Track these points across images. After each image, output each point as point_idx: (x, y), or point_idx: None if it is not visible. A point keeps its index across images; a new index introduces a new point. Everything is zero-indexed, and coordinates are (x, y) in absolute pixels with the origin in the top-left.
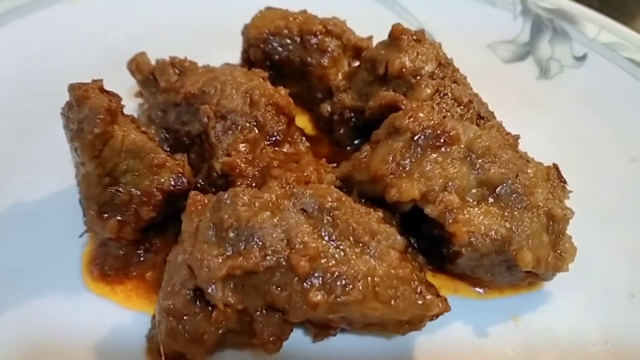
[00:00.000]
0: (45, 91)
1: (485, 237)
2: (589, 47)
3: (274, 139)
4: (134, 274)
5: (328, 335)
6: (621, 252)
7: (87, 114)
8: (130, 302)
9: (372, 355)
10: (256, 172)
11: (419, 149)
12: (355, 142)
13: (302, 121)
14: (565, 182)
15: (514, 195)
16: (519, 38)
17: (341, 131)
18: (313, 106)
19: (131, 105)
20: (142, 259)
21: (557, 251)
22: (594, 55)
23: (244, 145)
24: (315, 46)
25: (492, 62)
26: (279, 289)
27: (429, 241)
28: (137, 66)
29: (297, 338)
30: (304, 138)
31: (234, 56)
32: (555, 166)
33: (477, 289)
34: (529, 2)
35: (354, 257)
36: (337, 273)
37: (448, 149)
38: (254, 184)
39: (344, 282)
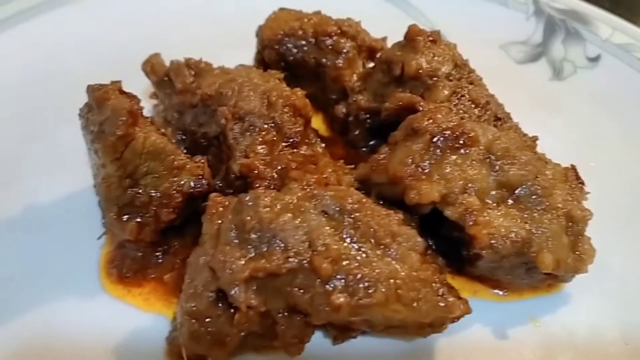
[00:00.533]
0: (59, 93)
1: (505, 239)
2: (602, 48)
3: (291, 140)
4: (152, 276)
5: (349, 338)
6: (636, 253)
7: (109, 115)
8: (149, 304)
9: (392, 357)
10: (274, 174)
11: (438, 151)
12: (370, 143)
13: (316, 122)
14: (583, 183)
15: (533, 197)
16: (532, 39)
17: (356, 132)
18: (327, 107)
19: (146, 107)
20: (160, 261)
21: (577, 252)
22: (607, 56)
23: (261, 146)
24: (330, 47)
25: (505, 63)
26: (301, 291)
27: (448, 243)
28: (152, 67)
29: (318, 340)
30: (319, 139)
31: (247, 57)
32: (573, 167)
33: (497, 291)
34: (541, 2)
35: (375, 259)
36: (359, 275)
37: (467, 151)
38: (272, 186)
39: (366, 284)
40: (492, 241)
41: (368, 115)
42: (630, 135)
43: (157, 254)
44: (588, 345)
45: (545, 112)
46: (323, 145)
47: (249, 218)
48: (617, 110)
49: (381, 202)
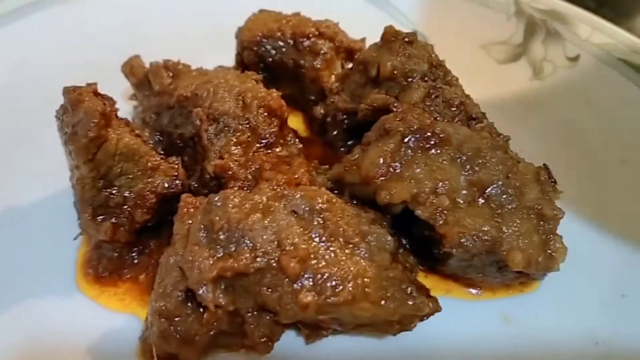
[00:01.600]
0: (40, 94)
1: (475, 237)
2: (581, 48)
3: (266, 141)
4: (128, 276)
5: (320, 337)
6: (612, 253)
7: (82, 117)
8: (124, 304)
9: (364, 355)
10: (249, 175)
11: (409, 151)
12: (349, 143)
13: (296, 122)
14: (555, 182)
15: (504, 196)
16: (513, 39)
17: (334, 133)
18: (306, 108)
19: (126, 108)
20: (135, 261)
21: (548, 251)
22: (586, 56)
23: (236, 147)
24: (308, 49)
25: (486, 62)
26: (269, 290)
27: (421, 242)
28: (131, 69)
29: (291, 339)
30: (297, 140)
31: (229, 59)
32: (546, 167)
33: (472, 290)
34: (522, 3)
35: (344, 258)
36: (327, 274)
37: (438, 151)
38: (246, 187)
39: (334, 283)
40: (462, 240)
41: (345, 116)
42: (608, 135)
43: (133, 254)
44: (559, 343)
45: (525, 111)
46: (300, 145)
47: (217, 218)
48: (596, 109)
49: (354, 202)
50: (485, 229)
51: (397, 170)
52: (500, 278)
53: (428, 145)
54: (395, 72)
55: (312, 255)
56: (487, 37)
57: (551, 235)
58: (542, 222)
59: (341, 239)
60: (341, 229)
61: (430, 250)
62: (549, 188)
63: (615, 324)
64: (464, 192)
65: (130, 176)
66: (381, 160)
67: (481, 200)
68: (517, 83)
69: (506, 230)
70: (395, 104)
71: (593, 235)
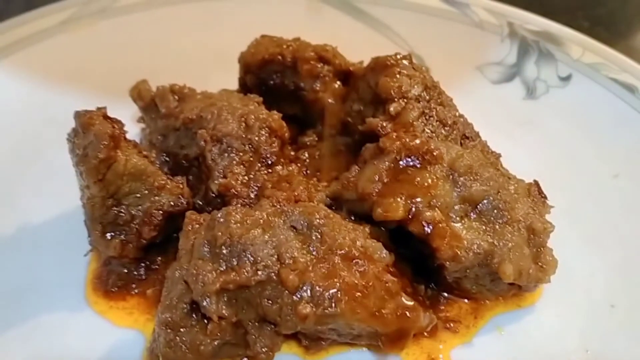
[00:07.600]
0: (52, 118)
1: (468, 251)
2: (573, 67)
3: (267, 160)
4: (136, 291)
5: (320, 347)
6: (602, 264)
7: (92, 140)
8: (133, 318)
9: None
10: (251, 193)
11: (403, 169)
12: None
13: None
14: (545, 197)
15: (495, 211)
16: (506, 60)
17: None
18: (309, 127)
19: (134, 130)
20: (143, 276)
21: (539, 263)
22: (578, 75)
23: (239, 167)
24: (307, 72)
25: (481, 83)
26: (270, 302)
27: (416, 255)
28: (139, 93)
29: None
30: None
31: (232, 82)
32: (536, 182)
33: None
34: (515, 25)
35: (341, 271)
36: (324, 286)
37: (431, 168)
38: (248, 205)
39: (331, 295)
40: (455, 253)
41: None
42: (600, 151)
43: (141, 270)
44: (550, 352)
45: (519, 130)
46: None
47: (220, 233)
48: (588, 126)
49: (352, 218)
50: (478, 242)
51: (392, 188)
52: (494, 290)
53: (421, 163)
54: (391, 94)
55: (310, 269)
56: (482, 58)
57: (542, 248)
58: (532, 236)
59: (338, 253)
60: (338, 242)
61: (425, 263)
62: (539, 203)
63: (604, 333)
64: (457, 207)
65: (138, 195)
66: (377, 178)
67: (473, 215)
68: (511, 102)
69: (497, 244)
70: (384, 125)
71: (584, 248)
